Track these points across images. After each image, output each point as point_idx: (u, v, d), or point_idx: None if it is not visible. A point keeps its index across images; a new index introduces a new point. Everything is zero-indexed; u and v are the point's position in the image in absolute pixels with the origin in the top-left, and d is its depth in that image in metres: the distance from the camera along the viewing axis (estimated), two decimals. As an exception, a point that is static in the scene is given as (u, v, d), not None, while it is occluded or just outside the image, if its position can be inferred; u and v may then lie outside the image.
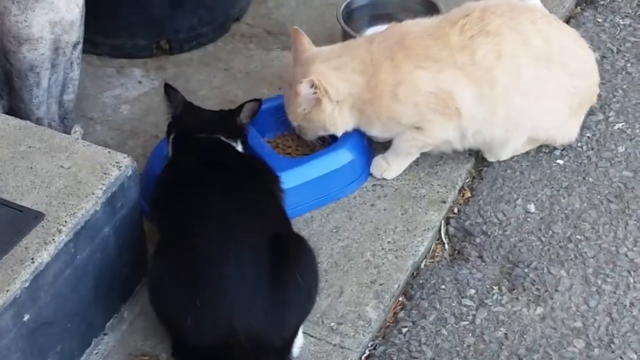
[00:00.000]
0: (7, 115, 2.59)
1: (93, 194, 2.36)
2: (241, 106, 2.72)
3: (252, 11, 3.62)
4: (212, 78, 3.33)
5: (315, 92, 2.73)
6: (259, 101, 2.74)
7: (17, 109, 2.83)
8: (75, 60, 2.87)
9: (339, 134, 2.85)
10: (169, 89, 2.72)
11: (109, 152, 2.48)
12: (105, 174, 2.41)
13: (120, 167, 2.44)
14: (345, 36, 3.25)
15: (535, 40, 2.79)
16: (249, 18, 3.59)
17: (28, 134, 2.51)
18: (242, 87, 3.28)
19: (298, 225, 2.78)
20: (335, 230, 2.79)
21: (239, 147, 2.68)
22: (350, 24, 3.31)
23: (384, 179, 2.95)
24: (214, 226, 2.39)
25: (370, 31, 3.37)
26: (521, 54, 2.78)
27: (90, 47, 3.29)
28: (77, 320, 2.39)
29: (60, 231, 2.27)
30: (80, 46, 2.86)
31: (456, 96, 2.72)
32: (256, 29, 3.55)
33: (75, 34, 2.76)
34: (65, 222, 2.29)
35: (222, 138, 2.64)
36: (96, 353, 2.48)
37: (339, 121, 2.81)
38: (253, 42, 3.49)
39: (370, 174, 2.96)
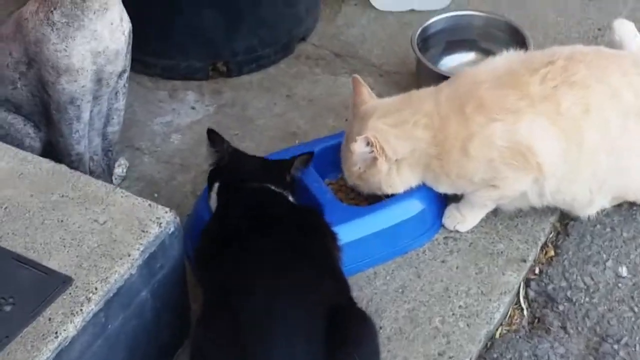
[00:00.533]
0: (40, 158, 2.33)
1: (129, 255, 2.10)
2: (292, 160, 2.47)
3: (320, 30, 3.33)
4: (273, 105, 3.04)
5: (372, 151, 2.44)
6: (310, 154, 2.51)
7: (55, 143, 2.58)
8: (120, 90, 2.61)
9: (398, 193, 2.55)
10: (213, 135, 2.45)
11: (149, 205, 2.21)
12: (143, 231, 2.14)
13: (161, 223, 2.17)
14: (419, 65, 2.95)
15: (625, 93, 2.45)
16: (316, 38, 3.30)
17: (61, 180, 2.25)
18: (305, 116, 3.00)
19: (360, 282, 2.50)
20: (401, 290, 2.50)
21: (290, 198, 2.40)
22: (425, 52, 3.00)
23: (458, 231, 2.64)
24: (262, 294, 2.11)
25: (446, 60, 3.05)
26: (609, 107, 2.45)
27: (141, 66, 3.05)
28: (106, 395, 2.13)
29: (89, 300, 2.01)
30: (126, 74, 2.59)
31: (537, 150, 2.41)
32: (323, 51, 3.26)
33: (121, 63, 2.49)
34: (96, 289, 2.03)
35: (273, 187, 2.36)
36: None
37: (397, 182, 2.52)
38: (319, 65, 3.20)
39: (442, 225, 2.65)
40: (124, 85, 2.62)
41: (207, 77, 3.11)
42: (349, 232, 2.47)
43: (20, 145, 2.53)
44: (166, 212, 2.20)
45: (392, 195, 2.57)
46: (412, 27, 3.25)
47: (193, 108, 3.03)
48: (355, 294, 2.46)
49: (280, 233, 2.24)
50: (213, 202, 2.41)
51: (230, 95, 3.08)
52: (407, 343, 2.37)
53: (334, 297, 2.17)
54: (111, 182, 2.72)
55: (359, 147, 2.44)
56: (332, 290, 2.19)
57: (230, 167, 2.42)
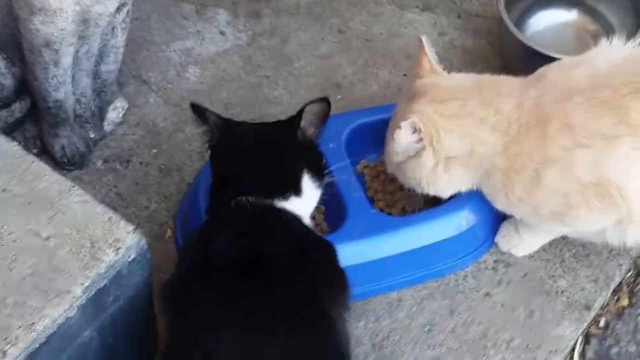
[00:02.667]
0: (-11, 131, 1.84)
1: (69, 292, 1.63)
2: (299, 114, 1.82)
3: (396, -59, 2.71)
4: (319, 41, 2.48)
5: (420, 140, 1.88)
6: (325, 101, 1.83)
7: (29, 84, 2.08)
8: (119, 25, 2.10)
9: (442, 196, 2.02)
10: (196, 109, 1.86)
11: (109, 219, 1.72)
12: (94, 258, 1.67)
13: (119, 248, 1.69)
14: (501, 26, 2.35)
15: None
16: (388, -48, 2.69)
17: (8, 167, 1.77)
18: (356, 63, 2.44)
19: (378, 310, 2.03)
20: (427, 329, 2.02)
21: (304, 206, 1.83)
22: (514, 3, 2.39)
23: (512, 254, 2.12)
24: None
25: (539, 17, 2.45)
26: None
27: (169, -30, 2.49)
28: None
29: (5, 354, 1.56)
30: (127, 8, 2.07)
31: (629, 193, 1.85)
32: (394, -29, 2.66)
33: (113, 3, 1.97)
34: (17, 338, 1.58)
35: (278, 203, 1.80)
36: None
37: (443, 182, 1.98)
38: (386, -9, 2.61)
39: (495, 244, 2.13)
40: (124, 20, 2.10)
41: (246, -7, 2.54)
42: (377, 247, 2.01)
43: (-13, 81, 2.06)
44: (129, 233, 1.72)
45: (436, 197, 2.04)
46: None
47: (222, 33, 2.48)
48: (370, 324, 2.00)
49: (272, 279, 1.72)
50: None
51: (270, 20, 2.51)
52: (422, 406, 1.91)
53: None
54: (102, 128, 2.23)
55: (403, 136, 1.90)
56: None
57: (220, 160, 1.87)
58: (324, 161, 1.89)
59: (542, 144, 1.87)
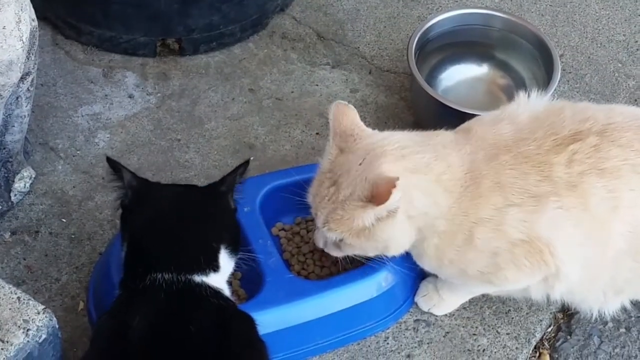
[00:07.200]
0: None
1: (-24, 379, 1.57)
2: (230, 182, 1.80)
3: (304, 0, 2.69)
4: (230, 101, 2.45)
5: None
6: (245, 164, 1.83)
7: None
8: (23, 95, 2.03)
9: (396, 255, 1.95)
10: (112, 164, 1.79)
11: (18, 298, 1.66)
12: (3, 340, 1.62)
13: (29, 329, 1.65)
14: (413, 82, 2.35)
15: None
16: (297, 9, 2.68)
17: None
18: (268, 123, 2.41)
19: (298, 375, 1.98)
20: (349, 394, 1.98)
21: (221, 280, 1.78)
22: (425, 58, 2.40)
23: (432, 314, 2.09)
24: None
25: (451, 72, 2.45)
26: None
27: (74, 33, 2.45)
28: None
29: None
30: (31, 77, 2.02)
31: (558, 250, 1.84)
32: (304, 29, 2.64)
33: (16, 74, 1.91)
34: None
35: (197, 278, 1.75)
36: None
37: (405, 241, 1.90)
38: (296, 49, 2.58)
39: (415, 303, 2.11)
40: (29, 89, 2.04)
41: (154, 54, 2.49)
42: (296, 313, 1.97)
43: None
44: (38, 313, 1.66)
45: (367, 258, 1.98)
46: (419, 4, 2.65)
47: (131, 97, 2.43)
48: (290, 391, 1.96)
49: (192, 356, 1.66)
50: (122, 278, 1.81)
51: (179, 82, 2.47)
52: None
53: None
54: (8, 199, 2.16)
55: (392, 201, 1.77)
56: None
57: (134, 224, 1.79)
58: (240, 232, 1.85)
59: (476, 203, 1.85)
